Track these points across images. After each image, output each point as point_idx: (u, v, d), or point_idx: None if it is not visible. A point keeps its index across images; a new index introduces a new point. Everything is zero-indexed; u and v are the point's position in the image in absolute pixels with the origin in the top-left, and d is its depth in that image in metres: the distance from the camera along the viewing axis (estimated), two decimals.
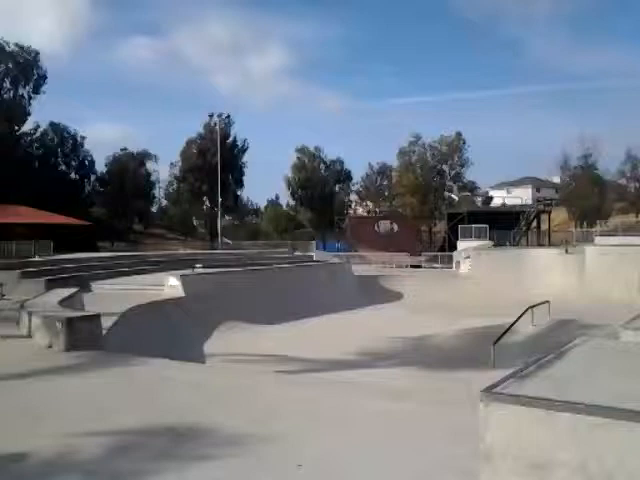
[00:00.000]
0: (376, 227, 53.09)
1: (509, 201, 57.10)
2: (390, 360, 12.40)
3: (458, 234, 41.49)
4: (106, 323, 10.51)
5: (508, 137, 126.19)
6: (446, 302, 24.78)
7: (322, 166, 73.04)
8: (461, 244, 39.41)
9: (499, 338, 13.94)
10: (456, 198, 69.07)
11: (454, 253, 38.03)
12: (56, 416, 5.84)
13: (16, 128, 54.31)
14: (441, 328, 18.88)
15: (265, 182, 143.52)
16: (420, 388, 7.48)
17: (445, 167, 69.62)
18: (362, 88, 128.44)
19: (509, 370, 3.43)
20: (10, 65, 52.70)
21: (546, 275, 27.85)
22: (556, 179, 75.29)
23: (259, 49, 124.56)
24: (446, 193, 70.28)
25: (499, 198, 60.78)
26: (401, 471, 4.34)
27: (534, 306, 18.35)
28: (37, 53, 54.34)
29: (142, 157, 68.36)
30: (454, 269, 35.73)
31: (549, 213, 50.75)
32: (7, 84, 53.41)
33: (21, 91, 54.20)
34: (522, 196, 60.56)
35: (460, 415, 5.51)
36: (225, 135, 62.98)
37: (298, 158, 71.79)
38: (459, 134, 67.90)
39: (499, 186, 77.59)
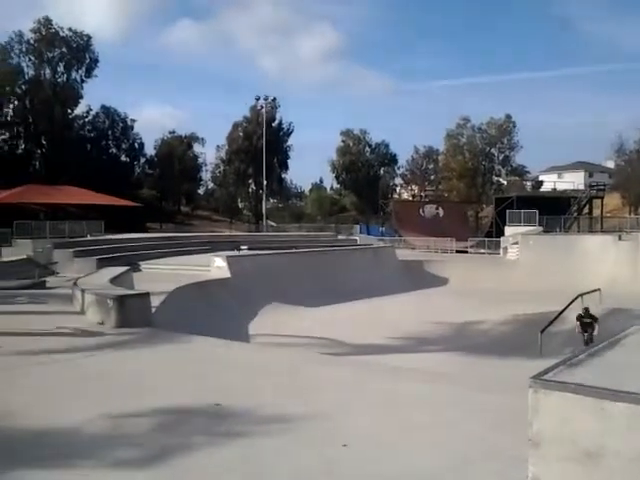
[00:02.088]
0: (421, 211, 52.49)
1: (560, 186, 55.45)
2: (435, 345, 12.30)
3: (506, 219, 40.58)
4: (155, 302, 10.77)
5: (559, 120, 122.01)
6: (492, 288, 24.36)
7: (367, 149, 72.51)
8: (509, 229, 38.57)
9: (547, 326, 13.65)
10: (504, 182, 67.55)
11: (501, 239, 37.28)
12: (106, 390, 6.04)
13: (69, 111, 55.79)
14: (487, 314, 18.59)
15: (310, 165, 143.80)
16: (465, 373, 7.41)
17: (494, 150, 68.08)
18: (409, 70, 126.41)
19: (557, 358, 3.34)
20: (64, 50, 54.08)
21: (598, 262, 26.98)
22: (610, 164, 72.54)
23: (306, 30, 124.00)
24: (494, 177, 68.82)
25: (549, 183, 59.07)
26: (446, 455, 4.31)
27: (584, 294, 17.83)
28: (89, 37, 55.56)
29: (189, 140, 69.28)
30: (501, 255, 35.05)
31: (602, 199, 48.98)
32: (61, 68, 54.86)
33: (74, 75, 55.62)
34: (574, 181, 58.66)
35: (507, 401, 5.43)
36: (271, 118, 63.19)
37: (343, 141, 71.48)
38: (509, 117, 66.22)
39: (549, 170, 75.33)
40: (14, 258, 22.46)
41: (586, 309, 14.19)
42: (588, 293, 18.17)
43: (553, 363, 3.20)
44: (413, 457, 4.31)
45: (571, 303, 16.69)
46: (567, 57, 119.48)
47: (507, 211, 41.61)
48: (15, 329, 8.85)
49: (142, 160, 65.49)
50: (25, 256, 23.84)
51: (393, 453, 4.37)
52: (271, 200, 69.61)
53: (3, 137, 53.95)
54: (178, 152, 65.44)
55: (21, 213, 35.15)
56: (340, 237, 46.28)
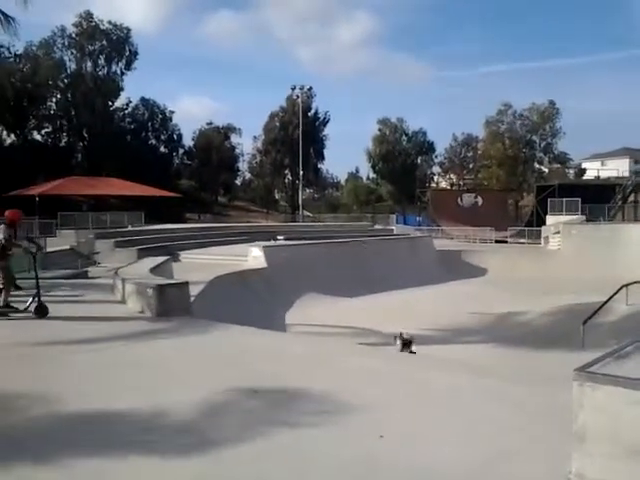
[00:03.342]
0: (459, 200, 51.78)
1: (603, 173, 53.84)
2: (473, 336, 12.13)
3: (547, 208, 39.68)
4: (193, 291, 10.90)
5: (603, 106, 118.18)
6: (533, 279, 23.89)
7: (404, 138, 71.74)
8: (550, 219, 37.73)
9: (590, 317, 13.30)
10: (546, 170, 65.97)
11: (542, 228, 36.53)
12: (145, 378, 6.14)
13: (110, 103, 56.90)
14: (527, 305, 18.24)
15: (346, 155, 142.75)
16: (505, 365, 7.27)
17: (535, 137, 66.43)
18: (447, 57, 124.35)
19: (601, 351, 3.23)
20: (104, 43, 55.09)
21: None
22: None
23: (343, 18, 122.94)
24: (535, 165, 67.22)
25: (593, 170, 57.46)
26: (485, 448, 4.23)
27: (629, 284, 17.29)
28: (129, 30, 56.43)
29: (227, 131, 69.90)
30: (542, 245, 34.36)
31: None
32: (102, 61, 55.93)
33: (114, 67, 56.66)
34: (618, 168, 56.85)
35: (548, 394, 5.31)
36: (307, 108, 63.17)
37: (380, 130, 70.86)
38: (552, 102, 64.30)
39: (593, 157, 73.22)
40: (58, 248, 23.07)
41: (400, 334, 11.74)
42: (633, 284, 17.62)
43: (597, 356, 3.09)
44: (449, 448, 4.24)
45: (615, 294, 16.22)
46: (613, 41, 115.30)
47: (548, 200, 40.66)
48: (58, 318, 9.08)
49: (181, 151, 66.46)
50: (69, 246, 24.50)
51: (430, 444, 4.32)
52: (307, 190, 69.82)
53: (46, 130, 55.40)
54: (216, 143, 66.12)
55: (64, 204, 36.13)
56: (377, 227, 46.10)
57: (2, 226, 9.52)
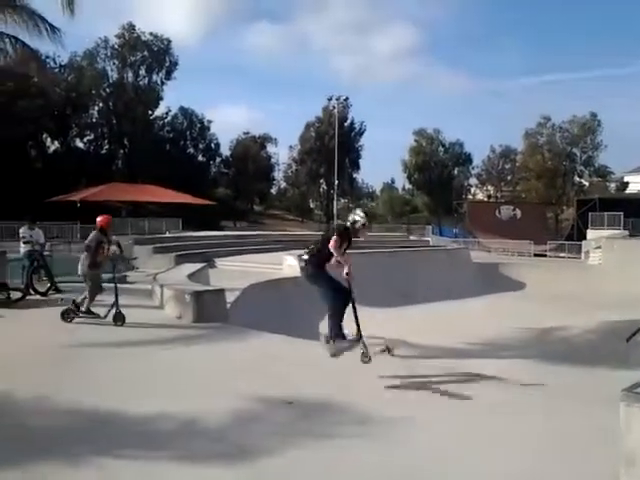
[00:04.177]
0: (497, 213, 51.02)
1: None
2: (511, 351, 11.86)
3: (588, 222, 38.78)
4: (229, 298, 10.98)
5: None
6: (573, 294, 23.31)
7: (441, 149, 71.23)
8: (591, 233, 36.81)
9: (633, 334, 12.82)
10: (586, 184, 64.54)
11: (583, 242, 35.68)
12: (179, 384, 6.18)
13: (150, 112, 58.15)
14: (567, 321, 17.78)
15: (381, 165, 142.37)
16: (544, 381, 7.07)
17: (576, 150, 65.13)
18: (485, 68, 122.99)
19: None
20: (146, 53, 56.45)
21: None
22: None
23: (381, 29, 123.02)
24: (576, 178, 65.85)
25: (635, 184, 55.89)
26: (524, 463, 4.11)
27: None
28: (169, 41, 57.68)
29: (263, 140, 70.61)
30: (582, 259, 33.55)
31: None
32: (143, 71, 57.28)
33: (155, 77, 57.94)
34: None
35: (591, 412, 5.15)
36: (343, 118, 63.34)
37: (416, 141, 70.51)
38: (594, 115, 63.01)
39: (636, 171, 71.24)
40: None
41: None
42: None
43: None
44: (494, 462, 4.14)
45: None
46: None
47: (589, 213, 39.72)
48: (97, 322, 9.24)
49: (218, 160, 67.30)
50: None
51: (467, 462, 4.21)
52: (342, 200, 69.73)
53: (89, 137, 56.91)
54: (252, 152, 66.83)
55: (105, 210, 36.71)
56: (412, 238, 45.73)
57: (94, 233, 9.54)
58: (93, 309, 9.46)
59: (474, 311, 20.51)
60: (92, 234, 9.57)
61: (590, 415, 5.07)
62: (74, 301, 9.45)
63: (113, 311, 9.16)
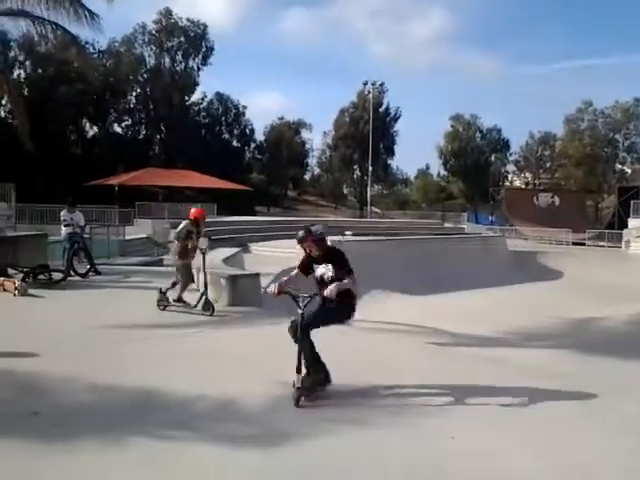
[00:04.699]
0: (535, 200, 49.99)
1: None
2: (547, 341, 11.60)
3: (630, 210, 37.65)
4: (263, 282, 11.02)
5: None
6: (613, 284, 22.69)
7: (477, 135, 69.94)
8: (633, 222, 35.75)
9: None
10: (629, 171, 62.61)
11: (624, 231, 34.72)
12: (215, 366, 6.25)
13: (186, 98, 58.61)
14: (606, 311, 17.31)
15: (416, 151, 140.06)
16: (582, 372, 6.93)
17: (618, 136, 63.17)
18: (524, 53, 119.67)
19: None
20: (182, 39, 56.78)
21: None
22: None
23: (419, 14, 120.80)
24: (617, 165, 63.95)
25: None
26: (555, 458, 4.03)
27: None
28: (206, 27, 57.81)
29: (297, 126, 70.49)
30: (623, 249, 32.69)
31: None
32: (179, 57, 57.67)
33: (191, 63, 58.26)
34: None
35: (631, 406, 5.03)
36: (378, 103, 62.70)
37: (452, 126, 69.35)
38: (638, 100, 60.86)
39: None
40: (135, 237, 23.97)
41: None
42: None
43: None
44: (524, 455, 4.07)
45: None
46: None
47: (631, 202, 38.54)
48: (134, 304, 9.40)
49: (252, 145, 67.51)
50: (145, 235, 25.42)
51: (504, 450, 4.15)
52: (376, 186, 69.31)
53: (126, 123, 57.77)
54: (286, 138, 66.80)
55: (142, 194, 37.53)
56: (447, 225, 45.25)
57: (185, 222, 9.56)
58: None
59: (510, 299, 20.16)
60: (182, 224, 9.56)
61: (626, 406, 4.94)
62: (160, 290, 9.44)
63: (202, 300, 9.13)
